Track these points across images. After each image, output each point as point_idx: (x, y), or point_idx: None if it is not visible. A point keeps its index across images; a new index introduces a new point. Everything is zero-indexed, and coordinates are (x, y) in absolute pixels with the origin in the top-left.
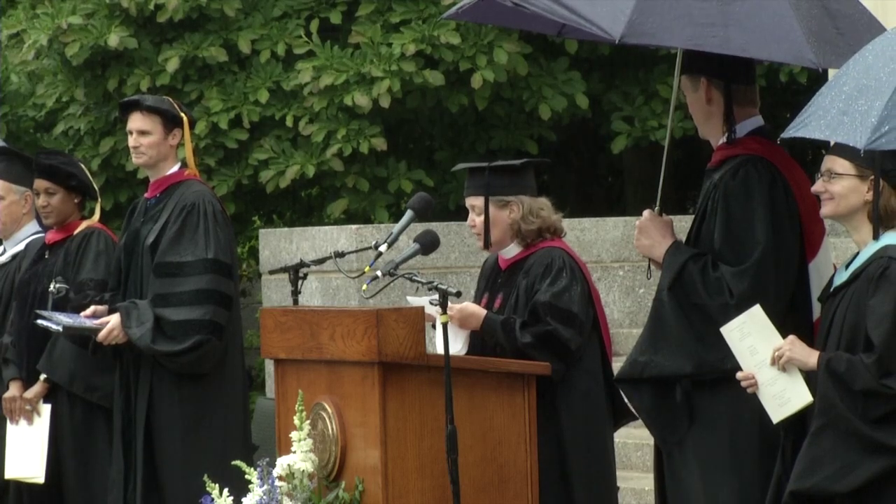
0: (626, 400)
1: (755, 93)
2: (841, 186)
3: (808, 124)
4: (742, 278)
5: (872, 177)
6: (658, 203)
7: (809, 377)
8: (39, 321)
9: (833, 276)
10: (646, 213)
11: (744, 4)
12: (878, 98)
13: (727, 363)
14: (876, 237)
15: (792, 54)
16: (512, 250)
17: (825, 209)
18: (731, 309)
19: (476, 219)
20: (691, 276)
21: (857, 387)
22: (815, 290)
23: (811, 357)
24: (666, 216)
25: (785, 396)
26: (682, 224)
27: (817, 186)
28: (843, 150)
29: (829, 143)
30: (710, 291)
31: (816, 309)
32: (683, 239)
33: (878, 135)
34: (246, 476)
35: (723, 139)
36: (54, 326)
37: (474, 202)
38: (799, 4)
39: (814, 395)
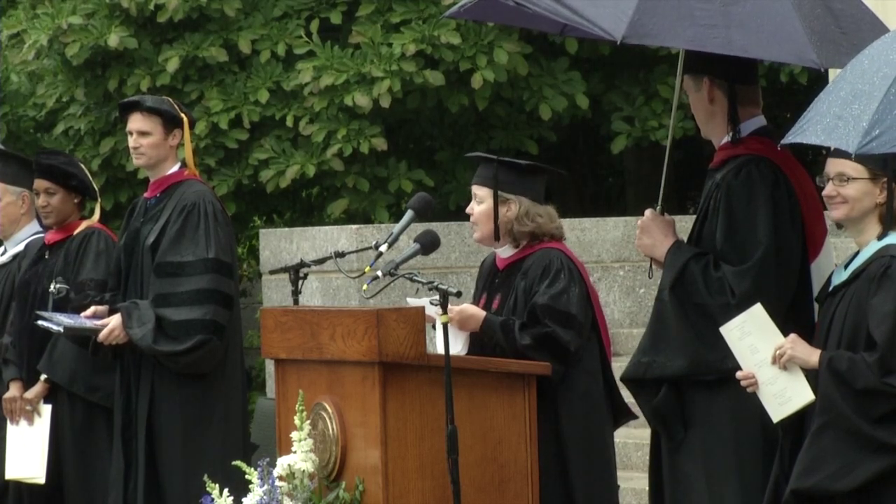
0: (628, 400)
1: (757, 93)
2: (854, 190)
3: (806, 130)
4: (744, 278)
5: (885, 179)
6: (660, 203)
7: (810, 376)
8: (40, 322)
9: (831, 275)
10: (647, 212)
11: (746, 5)
12: (870, 102)
13: (728, 363)
14: (882, 237)
15: (794, 54)
16: (507, 250)
17: (838, 213)
18: (733, 309)
19: (476, 206)
20: (693, 275)
21: (859, 385)
22: (817, 291)
23: (812, 356)
24: (667, 216)
25: (786, 395)
26: (684, 224)
27: (828, 190)
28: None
29: (829, 146)
30: (711, 291)
31: (818, 310)
32: (685, 239)
33: (869, 139)
34: (246, 476)
35: (726, 139)
36: (54, 327)
37: (478, 191)
38: (801, 4)
39: (815, 394)
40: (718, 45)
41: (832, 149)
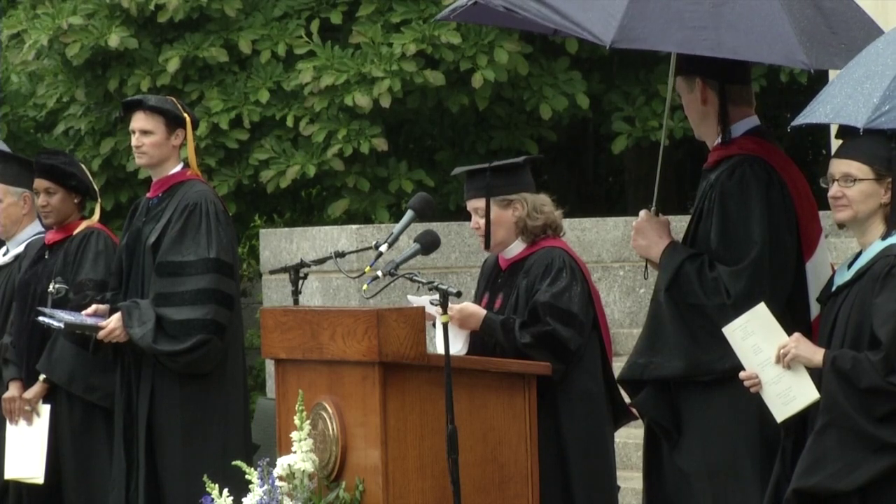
0: (627, 400)
1: (750, 92)
2: (859, 191)
3: (816, 110)
4: (739, 278)
5: (890, 179)
6: (654, 203)
7: (814, 375)
8: (41, 318)
9: (833, 276)
10: (642, 213)
11: (735, 6)
12: (882, 80)
13: (725, 363)
14: (886, 237)
15: (784, 56)
16: (515, 249)
17: (843, 214)
18: (729, 309)
19: (480, 221)
20: (688, 276)
21: (863, 385)
22: (813, 290)
23: (816, 354)
24: (662, 216)
25: (790, 395)
26: (683, 224)
27: (834, 191)
28: (858, 154)
29: (829, 146)
30: (707, 292)
31: (814, 309)
32: (681, 239)
33: (879, 114)
34: (246, 476)
35: (718, 139)
36: (56, 323)
37: (476, 204)
38: (791, 5)
39: (819, 393)
40: (708, 48)
41: (836, 149)
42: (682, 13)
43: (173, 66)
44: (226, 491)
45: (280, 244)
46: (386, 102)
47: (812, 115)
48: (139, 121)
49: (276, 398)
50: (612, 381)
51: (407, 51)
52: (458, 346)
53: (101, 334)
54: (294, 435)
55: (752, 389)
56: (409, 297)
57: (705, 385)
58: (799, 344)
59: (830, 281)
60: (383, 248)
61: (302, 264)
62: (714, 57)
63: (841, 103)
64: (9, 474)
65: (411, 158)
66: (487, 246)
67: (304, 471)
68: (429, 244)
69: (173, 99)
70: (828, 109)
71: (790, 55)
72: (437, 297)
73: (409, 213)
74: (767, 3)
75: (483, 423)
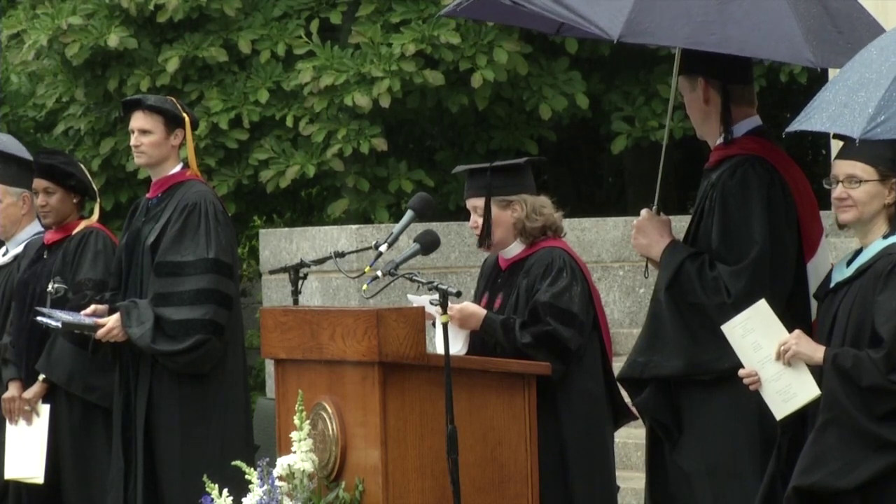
0: (627, 399)
1: (752, 92)
2: (865, 192)
3: (811, 117)
4: (739, 277)
5: (894, 180)
6: (655, 202)
7: (815, 372)
8: (39, 318)
9: (830, 272)
10: (643, 212)
11: (742, 3)
12: (877, 89)
13: (724, 363)
14: (888, 236)
15: (790, 53)
16: (514, 249)
17: (847, 215)
18: (729, 308)
19: (478, 220)
20: (688, 275)
21: (864, 383)
22: (813, 290)
23: (817, 352)
24: (663, 215)
25: (790, 391)
26: (683, 224)
27: (838, 193)
28: (862, 155)
29: (829, 146)
30: (707, 291)
31: (815, 309)
32: (682, 238)
33: (874, 124)
34: (246, 476)
35: (720, 139)
36: (53, 323)
37: (476, 203)
38: (797, 3)
39: (821, 390)
40: (715, 44)
41: (838, 150)
42: (690, 9)
43: (173, 66)
44: (225, 491)
45: (280, 244)
46: (385, 102)
47: (807, 121)
48: (138, 120)
49: (275, 398)
50: (612, 381)
51: (406, 51)
52: (458, 346)
53: (99, 333)
54: (294, 435)
55: (752, 387)
56: (410, 296)
57: (706, 384)
58: (800, 341)
59: (828, 277)
60: (383, 248)
61: (302, 264)
62: (717, 57)
63: (837, 112)
64: (9, 474)
65: (411, 158)
66: (481, 243)
67: (303, 471)
68: (429, 244)
69: (173, 99)
70: (824, 118)
71: (796, 52)
72: (436, 297)
73: (408, 213)
74: (774, 1)
75: (483, 423)
